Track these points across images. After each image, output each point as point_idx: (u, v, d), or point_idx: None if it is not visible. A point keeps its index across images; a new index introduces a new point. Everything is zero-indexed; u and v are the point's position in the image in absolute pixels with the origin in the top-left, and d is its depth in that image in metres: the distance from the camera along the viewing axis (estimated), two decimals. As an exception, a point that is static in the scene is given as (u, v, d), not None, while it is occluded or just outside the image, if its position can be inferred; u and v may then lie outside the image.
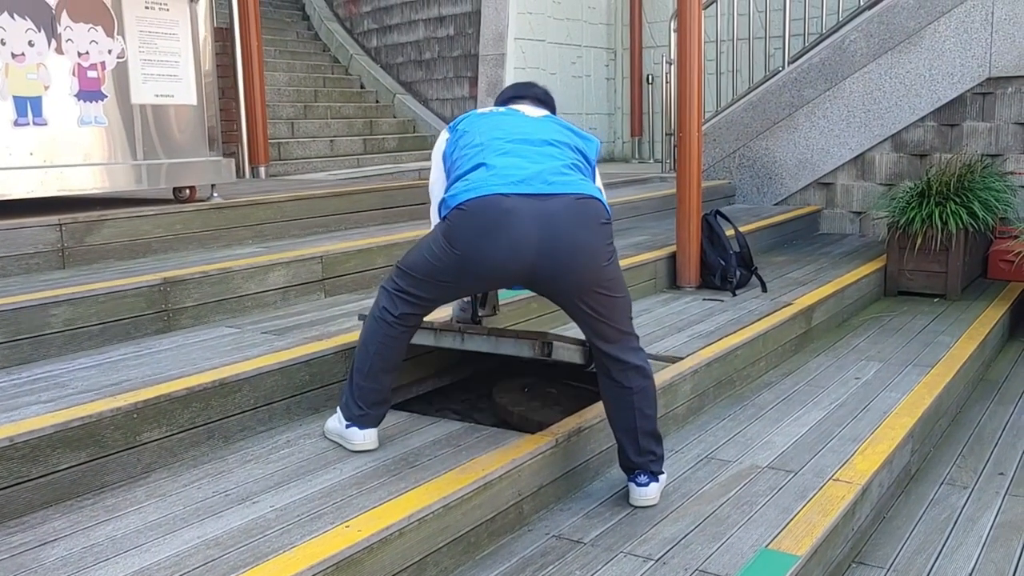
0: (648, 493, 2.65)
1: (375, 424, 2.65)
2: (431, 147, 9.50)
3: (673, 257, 5.08)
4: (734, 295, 4.80)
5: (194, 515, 2.23)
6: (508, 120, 2.65)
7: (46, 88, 3.69)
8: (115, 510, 2.27)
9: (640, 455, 2.64)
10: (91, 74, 3.84)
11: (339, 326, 3.43)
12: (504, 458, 2.55)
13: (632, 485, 2.67)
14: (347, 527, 2.13)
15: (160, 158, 4.13)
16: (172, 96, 4.14)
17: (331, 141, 8.18)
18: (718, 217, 5.15)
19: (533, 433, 2.77)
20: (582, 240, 2.41)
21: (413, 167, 8.16)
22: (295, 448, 2.68)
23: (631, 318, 2.63)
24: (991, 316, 4.97)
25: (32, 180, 3.68)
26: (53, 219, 3.66)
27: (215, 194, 4.44)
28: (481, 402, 3.64)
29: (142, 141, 4.06)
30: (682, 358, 3.59)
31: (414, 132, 9.54)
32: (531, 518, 2.60)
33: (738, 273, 4.93)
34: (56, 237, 3.66)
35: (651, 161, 9.47)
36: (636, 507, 2.65)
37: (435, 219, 2.71)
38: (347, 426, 2.64)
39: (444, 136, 2.75)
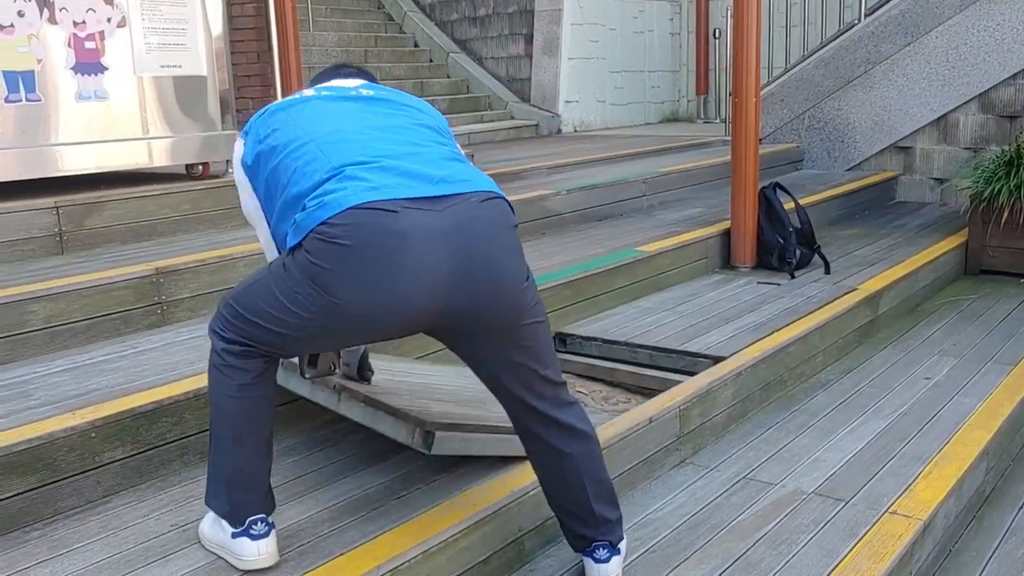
0: (611, 570, 2.07)
1: (266, 514, 1.95)
2: (484, 108, 9.21)
3: (727, 234, 4.66)
4: (792, 277, 4.36)
5: (140, 557, 1.98)
6: (330, 106, 1.96)
7: (39, 61, 3.46)
8: (60, 546, 2.04)
9: (594, 527, 2.06)
10: (88, 45, 3.59)
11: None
12: (502, 488, 2.24)
13: (589, 561, 2.09)
14: (304, 582, 1.85)
15: (168, 133, 3.89)
16: (180, 67, 3.88)
17: (377, 104, 7.87)
18: (777, 190, 4.70)
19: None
20: (501, 258, 1.82)
21: (463, 130, 7.83)
22: (276, 468, 2.40)
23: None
24: (1087, 301, 4.44)
25: (26, 161, 3.47)
26: (49, 202, 3.44)
27: (230, 169, 4.18)
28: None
29: (147, 116, 3.81)
30: (724, 358, 3.21)
31: (467, 92, 9.19)
32: (534, 556, 2.29)
33: (798, 252, 4.49)
34: (52, 221, 3.45)
35: (717, 121, 8.93)
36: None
37: (271, 251, 2.09)
38: (233, 534, 1.92)
39: (239, 146, 2.04)
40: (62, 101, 3.54)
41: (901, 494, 2.55)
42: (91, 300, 2.95)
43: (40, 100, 3.47)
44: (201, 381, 2.50)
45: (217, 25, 4.02)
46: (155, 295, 3.12)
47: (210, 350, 1.92)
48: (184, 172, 4.13)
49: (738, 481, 2.68)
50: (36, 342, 2.83)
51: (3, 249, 3.32)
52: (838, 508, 2.49)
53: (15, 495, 2.11)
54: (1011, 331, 4.03)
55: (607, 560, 2.08)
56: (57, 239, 3.45)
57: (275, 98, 6.22)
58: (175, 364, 2.69)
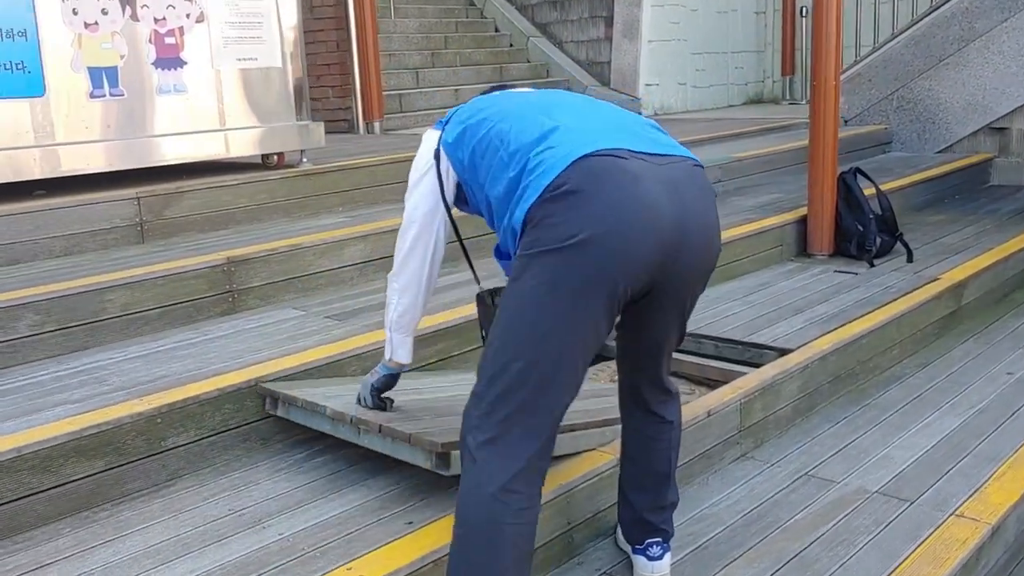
0: (662, 567, 2.08)
1: None
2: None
3: (804, 221, 4.53)
4: (871, 266, 4.22)
5: (198, 540, 2.05)
6: (528, 94, 1.99)
7: (122, 57, 3.59)
8: (124, 527, 2.13)
9: (661, 511, 2.07)
10: (169, 40, 3.70)
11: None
12: (551, 482, 2.23)
13: (640, 559, 2.09)
14: (349, 570, 1.89)
15: (244, 124, 3.99)
16: (255, 59, 3.97)
17: (456, 91, 7.90)
18: (858, 176, 4.54)
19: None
20: (711, 220, 1.82)
21: (541, 115, 7.79)
22: (329, 457, 2.46)
23: None
24: None
25: (110, 153, 3.61)
26: (130, 193, 3.58)
27: (304, 159, 4.27)
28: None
29: (224, 108, 3.92)
30: (792, 350, 3.13)
31: (547, 76, 9.13)
32: (584, 549, 2.28)
33: (878, 240, 4.34)
34: (133, 211, 3.58)
35: (803, 103, 8.66)
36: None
37: (420, 275, 2.04)
38: None
39: (433, 136, 2.03)
40: (143, 95, 3.67)
41: (970, 496, 2.45)
42: (164, 289, 3.06)
43: (123, 95, 3.61)
44: (264, 369, 2.60)
45: (291, 17, 4.10)
46: (226, 283, 3.22)
47: (462, 479, 1.72)
48: (260, 162, 4.23)
49: (799, 478, 2.62)
50: (114, 329, 2.96)
51: (88, 238, 3.47)
52: (901, 509, 2.41)
53: (85, 477, 2.22)
54: (1107, 324, 3.82)
55: (660, 557, 2.09)
56: (138, 229, 3.59)
57: (353, 86, 6.32)
58: (240, 352, 2.77)
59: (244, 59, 3.92)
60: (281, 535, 2.05)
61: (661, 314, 1.87)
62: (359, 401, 2.30)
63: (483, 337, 1.96)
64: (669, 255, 1.72)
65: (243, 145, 3.97)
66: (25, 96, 3.34)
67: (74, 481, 2.20)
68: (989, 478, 2.55)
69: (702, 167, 1.85)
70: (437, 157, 1.99)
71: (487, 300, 2.08)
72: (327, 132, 6.57)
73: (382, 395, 2.28)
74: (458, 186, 2.01)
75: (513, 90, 2.08)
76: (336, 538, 2.03)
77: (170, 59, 3.71)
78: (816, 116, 4.36)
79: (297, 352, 2.73)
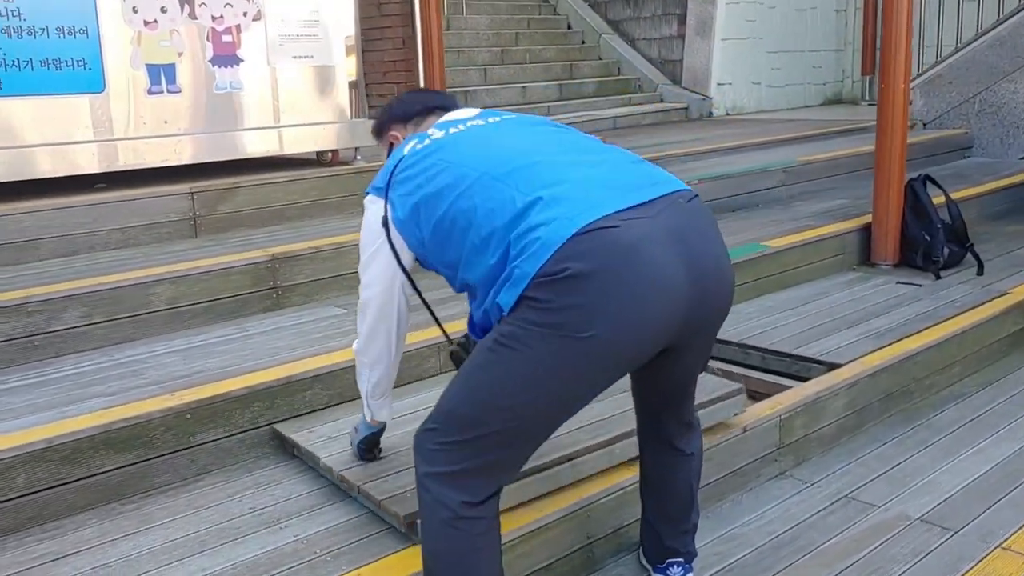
0: None
1: None
2: (634, 90, 9.05)
3: (869, 229, 4.37)
4: (937, 278, 4.05)
5: (215, 538, 2.07)
6: (478, 137, 1.80)
7: (179, 55, 3.66)
8: (148, 521, 2.17)
9: (684, 535, 2.01)
10: (226, 38, 3.76)
11: (456, 307, 3.17)
12: (571, 495, 2.19)
13: None
14: (355, 576, 1.89)
15: (298, 122, 4.03)
16: (311, 57, 4.01)
17: (523, 88, 7.88)
18: (927, 183, 4.36)
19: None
20: (722, 256, 1.71)
21: (608, 114, 7.73)
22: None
23: None
24: None
25: (166, 149, 3.69)
26: (185, 188, 3.65)
27: (359, 157, 4.30)
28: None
29: (280, 105, 3.97)
30: (840, 365, 3.02)
31: (618, 74, 9.03)
32: (604, 564, 2.23)
33: (946, 250, 4.16)
34: (187, 206, 3.65)
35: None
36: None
37: (388, 349, 1.96)
38: None
39: (376, 207, 1.85)
40: (200, 92, 3.74)
41: (1019, 528, 2.32)
42: (209, 284, 3.11)
43: (180, 91, 3.68)
44: (294, 368, 2.62)
45: (348, 15, 4.12)
46: (271, 280, 3.25)
47: (419, 502, 1.67)
48: (314, 159, 4.27)
49: (838, 500, 2.52)
50: (159, 321, 3.02)
51: (144, 231, 3.55)
52: (944, 538, 2.29)
53: (115, 469, 2.26)
54: None
55: None
56: (191, 223, 3.66)
57: (418, 83, 6.34)
58: (277, 349, 2.80)
59: (300, 57, 3.96)
60: (296, 536, 2.06)
61: (687, 358, 1.78)
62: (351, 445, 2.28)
63: None
64: (692, 311, 1.63)
65: (297, 142, 4.02)
66: (85, 92, 3.44)
67: (103, 473, 2.24)
68: (1042, 510, 2.41)
69: (695, 194, 1.72)
70: (386, 225, 1.83)
71: (463, 356, 1.99)
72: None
73: (370, 448, 2.25)
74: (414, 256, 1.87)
75: (450, 119, 1.90)
76: (347, 543, 2.02)
77: (227, 56, 3.76)
78: (883, 119, 4.20)
79: (328, 352, 2.74)
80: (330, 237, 3.50)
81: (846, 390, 2.88)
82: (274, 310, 3.25)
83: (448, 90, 6.66)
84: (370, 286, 1.91)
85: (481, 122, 1.87)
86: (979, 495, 2.51)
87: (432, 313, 2.09)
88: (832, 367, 3.03)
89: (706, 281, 1.64)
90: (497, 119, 1.89)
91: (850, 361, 3.05)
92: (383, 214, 1.83)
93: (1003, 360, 3.54)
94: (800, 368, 3.13)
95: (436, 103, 2.05)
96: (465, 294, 1.79)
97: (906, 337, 3.27)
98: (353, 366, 2.64)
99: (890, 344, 3.20)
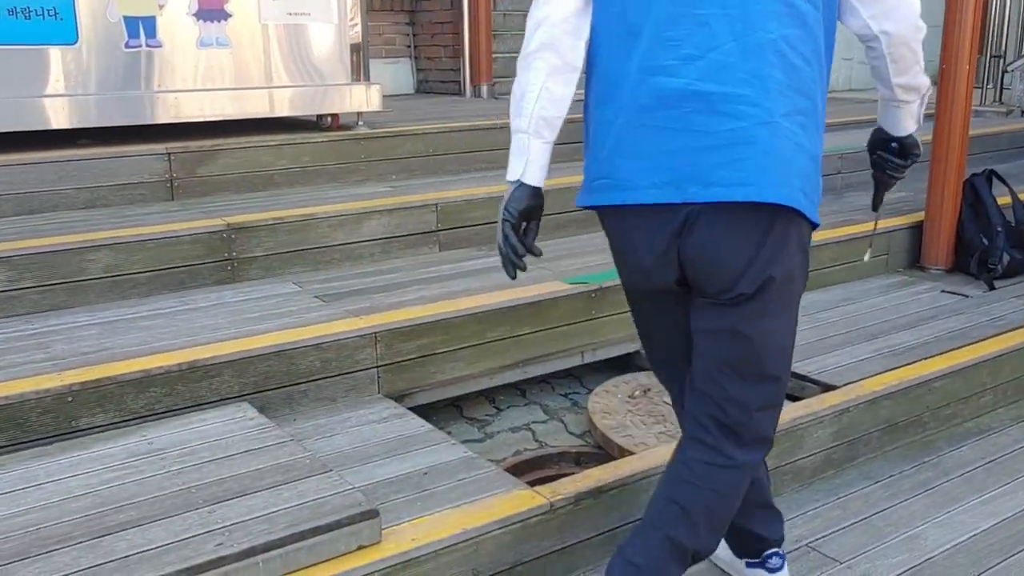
0: None
1: None
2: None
3: (920, 227, 3.88)
4: (991, 288, 3.55)
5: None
6: None
7: (161, 7, 3.46)
8: None
9: (771, 521, 1.93)
10: (213, -10, 3.55)
11: (416, 292, 2.91)
12: (456, 524, 1.91)
13: (760, 572, 1.94)
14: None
15: (291, 83, 3.80)
16: (308, 14, 3.76)
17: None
18: (993, 179, 3.84)
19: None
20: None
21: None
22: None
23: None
24: None
25: (144, 106, 3.51)
26: (160, 148, 3.47)
27: (361, 122, 4.05)
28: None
29: (271, 64, 3.74)
30: (835, 387, 2.62)
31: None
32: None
33: (1005, 257, 3.64)
34: (164, 167, 3.47)
35: (988, 87, 7.63)
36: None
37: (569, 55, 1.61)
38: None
39: None
40: (183, 48, 3.54)
41: (1003, 610, 1.92)
42: (155, 253, 2.92)
43: (161, 46, 3.49)
44: (204, 352, 2.40)
45: (351, -29, 3.86)
46: (226, 251, 3.04)
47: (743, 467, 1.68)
48: (314, 123, 4.04)
49: (796, 549, 2.15)
50: (96, 290, 2.84)
51: (113, 192, 3.39)
52: (905, 614, 1.91)
53: (-19, 452, 2.09)
54: None
55: (781, 567, 1.94)
56: (168, 185, 3.48)
57: (462, 47, 6.04)
58: (203, 328, 2.59)
59: (295, 14, 3.72)
60: (134, 548, 1.84)
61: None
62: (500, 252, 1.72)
63: None
64: None
65: (289, 105, 3.79)
66: (56, 43, 3.28)
67: (-33, 455, 2.07)
68: (1040, 587, 1.99)
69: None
70: None
71: None
72: (439, 93, 6.39)
73: (522, 230, 1.70)
74: None
75: None
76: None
77: (213, 11, 3.55)
78: (942, 105, 3.70)
79: (252, 335, 2.51)
80: (297, 208, 3.27)
81: (833, 418, 2.49)
82: (227, 283, 3.05)
83: (502, 55, 6.34)
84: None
85: None
86: (969, 559, 2.10)
87: None
88: (828, 388, 2.64)
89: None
90: None
91: (849, 383, 2.64)
92: None
93: (1050, 390, 3.05)
94: (794, 387, 2.74)
95: None
96: None
97: (927, 358, 2.83)
98: (275, 352, 2.44)
99: (905, 365, 2.78)
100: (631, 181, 1.55)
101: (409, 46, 6.49)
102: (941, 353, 2.87)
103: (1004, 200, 3.83)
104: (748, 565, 1.96)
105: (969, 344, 2.94)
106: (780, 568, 1.93)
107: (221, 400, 2.38)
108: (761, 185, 1.49)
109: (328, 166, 3.83)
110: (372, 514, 1.81)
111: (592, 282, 3.00)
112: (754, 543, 1.93)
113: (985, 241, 3.69)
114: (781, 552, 1.95)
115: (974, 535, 2.20)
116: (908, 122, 1.81)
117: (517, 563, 1.96)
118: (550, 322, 2.91)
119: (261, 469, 1.98)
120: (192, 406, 2.34)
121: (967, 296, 3.47)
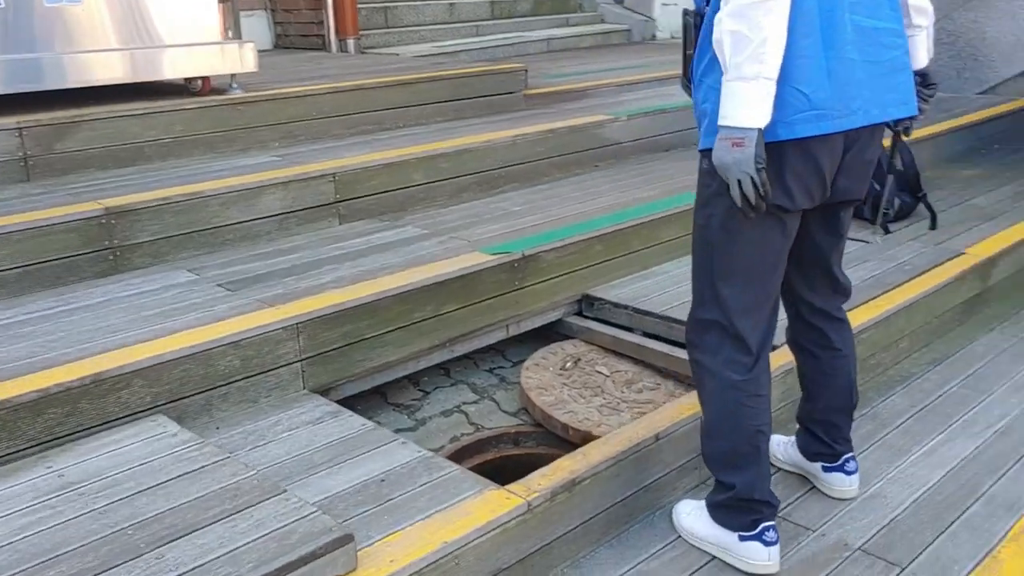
0: (856, 482, 2.19)
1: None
2: (573, 10, 8.40)
3: (814, 175, 3.93)
4: (887, 232, 3.64)
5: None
6: None
7: (-2, -42, 3.01)
8: None
9: (846, 434, 2.18)
10: (59, -61, 3.11)
11: (331, 274, 2.68)
12: (433, 538, 1.74)
13: (838, 475, 2.18)
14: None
15: (154, 44, 3.41)
16: (169, -35, 3.37)
17: (451, 4, 7.21)
18: (880, 124, 3.91)
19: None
20: None
21: (542, 35, 7.15)
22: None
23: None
24: None
25: (-13, 74, 3.06)
26: (11, 122, 3.04)
27: (235, 85, 3.70)
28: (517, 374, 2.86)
29: (132, 24, 3.34)
30: (776, 346, 2.59)
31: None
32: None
33: (896, 201, 3.74)
34: (16, 144, 3.06)
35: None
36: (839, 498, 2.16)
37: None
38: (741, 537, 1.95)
39: None
40: (28, 6, 3.10)
41: (979, 562, 1.94)
42: (25, 245, 2.56)
43: (2, 5, 3.04)
44: (112, 361, 2.11)
45: (217, -84, 3.48)
46: (105, 239, 2.71)
47: (697, 369, 2.01)
48: (184, 88, 3.66)
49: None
50: (-45, 294, 2.47)
51: (-43, 175, 2.96)
52: (890, 576, 1.91)
53: None
54: None
55: (855, 471, 2.17)
56: (22, 164, 3.07)
57: (326, 10, 5.65)
58: (94, 333, 2.28)
59: (156, -35, 3.32)
60: None
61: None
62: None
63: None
64: None
65: (153, 68, 3.41)
66: None
67: None
68: (1004, 536, 2.03)
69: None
70: None
71: None
72: (300, 48, 6.00)
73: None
74: None
75: None
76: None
77: (61, -38, 3.12)
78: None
79: (157, 337, 2.23)
80: (182, 186, 2.95)
81: (779, 379, 2.46)
82: (111, 275, 2.72)
83: (365, 6, 6.00)
84: None
85: None
86: (930, 515, 2.12)
87: None
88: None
89: None
90: None
91: (785, 343, 2.62)
92: None
93: (956, 331, 3.16)
94: (730, 348, 2.70)
95: None
96: None
97: (853, 308, 2.85)
98: (190, 355, 2.18)
99: (833, 319, 2.78)
100: (838, 109, 1.71)
101: (264, -4, 6.05)
102: (862, 303, 2.90)
103: (885, 142, 3.92)
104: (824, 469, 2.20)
105: (885, 292, 2.99)
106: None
107: (132, 415, 2.10)
108: (911, 103, 1.88)
109: (203, 135, 3.49)
110: (346, 539, 1.62)
111: (515, 251, 2.86)
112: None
113: (877, 187, 3.76)
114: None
115: (927, 488, 2.23)
116: (921, 54, 2.06)
117: (498, 570, 1.82)
118: (475, 296, 2.76)
119: (204, 496, 1.75)
120: (100, 425, 2.06)
121: (867, 242, 3.53)
